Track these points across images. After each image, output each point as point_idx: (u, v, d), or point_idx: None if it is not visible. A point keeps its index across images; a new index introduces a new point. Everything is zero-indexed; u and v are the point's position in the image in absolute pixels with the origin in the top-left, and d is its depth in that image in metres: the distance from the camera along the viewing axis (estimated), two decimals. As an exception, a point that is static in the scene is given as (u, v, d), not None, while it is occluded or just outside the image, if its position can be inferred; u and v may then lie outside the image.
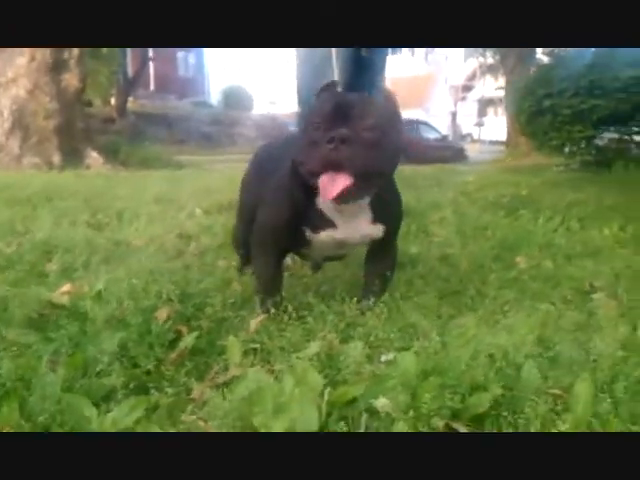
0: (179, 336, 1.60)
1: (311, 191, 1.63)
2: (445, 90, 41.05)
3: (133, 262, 2.36)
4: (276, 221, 1.77)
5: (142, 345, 1.50)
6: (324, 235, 1.74)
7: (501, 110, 35.98)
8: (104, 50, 18.56)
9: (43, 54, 8.60)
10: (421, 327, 1.67)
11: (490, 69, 29.69)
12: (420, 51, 33.25)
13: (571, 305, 2.02)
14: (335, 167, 1.48)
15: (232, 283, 2.10)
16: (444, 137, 20.01)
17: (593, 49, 9.06)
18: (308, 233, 1.74)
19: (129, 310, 1.64)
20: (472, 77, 37.54)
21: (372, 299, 1.81)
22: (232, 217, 3.65)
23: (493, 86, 34.13)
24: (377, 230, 1.78)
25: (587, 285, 2.27)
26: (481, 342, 1.46)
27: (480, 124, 39.08)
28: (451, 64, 41.08)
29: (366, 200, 1.68)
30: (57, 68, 8.83)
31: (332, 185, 1.47)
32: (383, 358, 1.52)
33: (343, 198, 1.49)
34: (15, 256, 2.40)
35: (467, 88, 40.63)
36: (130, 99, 22.69)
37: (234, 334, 1.60)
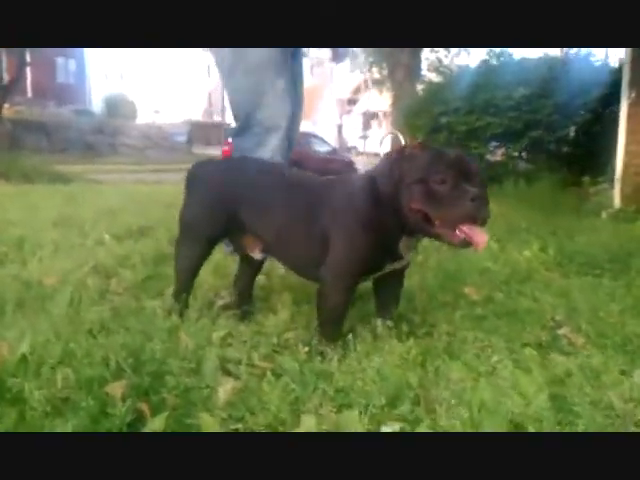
0: (139, 417, 1.32)
1: (400, 228, 1.81)
2: (331, 103, 41.55)
3: (52, 308, 2.02)
4: (366, 253, 1.85)
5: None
6: (395, 265, 1.92)
7: (385, 124, 36.92)
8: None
9: None
10: (411, 385, 1.49)
11: (375, 83, 30.37)
12: (306, 64, 33.49)
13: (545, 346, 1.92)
14: (474, 220, 1.67)
15: (178, 333, 1.81)
16: (334, 150, 20.12)
17: (484, 68, 9.39)
18: (387, 263, 1.90)
19: (71, 385, 1.34)
20: (357, 91, 38.21)
21: (389, 320, 1.96)
22: (146, 244, 3.39)
23: (377, 100, 34.98)
24: (411, 257, 1.98)
25: (550, 320, 2.19)
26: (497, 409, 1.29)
27: (365, 137, 39.81)
28: (337, 77, 41.66)
29: None
30: None
31: (480, 236, 1.68)
32: (383, 429, 1.33)
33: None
34: None
35: (352, 101, 41.28)
36: (6, 106, 21.25)
37: (205, 409, 1.35)
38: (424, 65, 22.23)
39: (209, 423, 1.28)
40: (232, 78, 3.11)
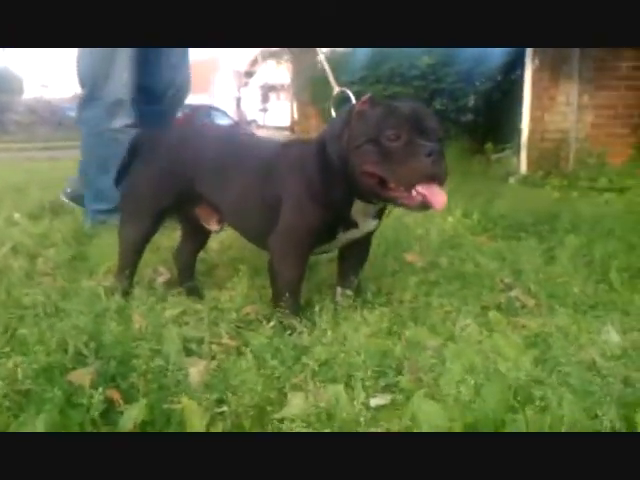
0: (110, 406, 1.19)
1: (350, 195, 1.70)
2: (228, 75, 40.79)
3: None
4: (315, 222, 1.74)
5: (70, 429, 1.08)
6: (349, 234, 1.80)
7: (284, 96, 36.71)
8: None
9: None
10: (392, 354, 1.44)
11: (272, 55, 30.10)
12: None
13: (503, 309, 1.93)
14: (431, 179, 1.53)
15: (129, 314, 1.67)
16: (236, 123, 19.81)
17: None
18: (340, 233, 1.77)
19: (29, 376, 1.19)
20: (254, 63, 37.67)
21: (348, 290, 1.90)
22: (64, 221, 3.16)
23: (275, 72, 34.70)
24: (374, 225, 1.87)
25: (499, 283, 2.20)
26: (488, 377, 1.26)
27: (264, 110, 39.45)
28: (232, 50, 40.92)
29: None
30: None
31: (438, 196, 1.54)
32: (373, 402, 1.27)
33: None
34: None
35: (249, 74, 40.68)
36: None
37: (184, 393, 1.24)
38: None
39: (191, 407, 1.17)
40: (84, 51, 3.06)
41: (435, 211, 1.61)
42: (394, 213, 3.61)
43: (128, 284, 1.95)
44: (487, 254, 2.70)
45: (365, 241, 1.93)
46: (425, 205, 1.55)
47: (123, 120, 3.04)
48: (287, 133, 23.56)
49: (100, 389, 1.15)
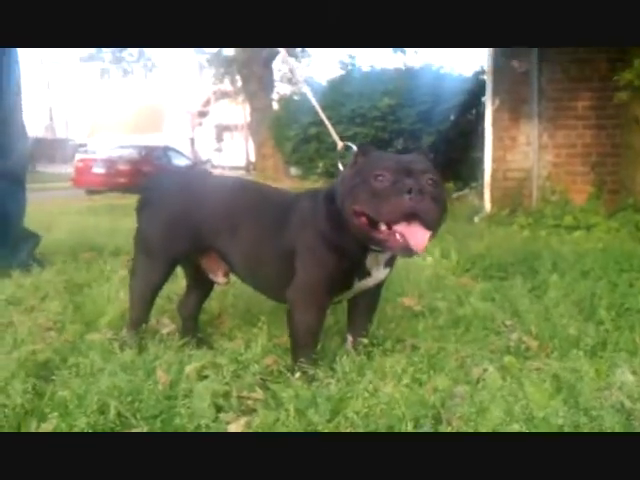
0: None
1: (362, 245, 1.70)
2: (181, 116, 40.81)
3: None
4: (332, 271, 1.76)
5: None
6: (363, 282, 1.82)
7: (238, 135, 36.89)
8: None
9: None
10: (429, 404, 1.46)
11: (225, 95, 30.28)
12: (153, 76, 32.77)
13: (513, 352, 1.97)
14: (412, 217, 1.53)
15: (156, 372, 1.65)
16: (194, 164, 19.76)
17: (349, 79, 9.64)
18: (355, 281, 1.79)
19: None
20: (207, 103, 37.85)
21: (365, 340, 1.91)
22: (51, 271, 3.10)
23: (229, 112, 34.87)
24: (385, 274, 1.89)
25: (501, 325, 2.25)
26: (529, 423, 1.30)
27: (219, 150, 39.52)
28: (185, 90, 41.15)
29: None
30: None
31: (417, 237, 1.53)
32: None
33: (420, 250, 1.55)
34: None
35: (203, 114, 40.81)
36: None
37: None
38: (276, 76, 22.47)
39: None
40: None
41: (406, 251, 1.56)
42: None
43: (141, 337, 1.93)
44: (476, 296, 2.76)
45: (376, 289, 1.95)
46: (407, 247, 1.55)
47: None
48: (242, 172, 23.58)
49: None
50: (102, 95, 42.00)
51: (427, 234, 1.54)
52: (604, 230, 5.00)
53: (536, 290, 2.90)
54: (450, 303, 2.59)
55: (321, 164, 9.40)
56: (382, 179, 1.57)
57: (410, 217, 1.53)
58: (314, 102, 2.21)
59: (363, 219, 1.60)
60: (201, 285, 2.15)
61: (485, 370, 1.72)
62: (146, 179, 2.56)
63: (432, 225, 1.56)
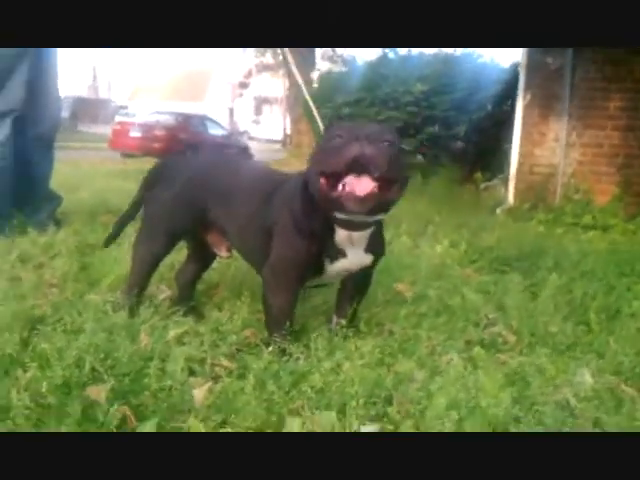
0: (122, 423, 1.29)
1: (330, 223, 1.74)
2: (222, 86, 40.98)
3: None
4: (301, 254, 1.80)
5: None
6: (338, 265, 1.83)
7: (277, 108, 36.89)
8: None
9: None
10: (383, 385, 1.55)
11: (266, 68, 30.27)
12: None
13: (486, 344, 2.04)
14: (360, 169, 1.57)
15: (139, 334, 1.77)
16: (230, 134, 19.90)
17: (387, 61, 9.61)
18: (327, 264, 1.81)
19: (50, 389, 1.29)
20: (249, 75, 37.92)
21: (343, 321, 1.97)
22: (66, 232, 3.24)
23: (269, 85, 34.88)
24: (369, 259, 1.89)
25: (484, 318, 2.32)
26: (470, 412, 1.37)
27: (257, 122, 39.66)
28: (228, 60, 41.18)
29: (368, 231, 1.80)
30: None
31: (360, 184, 1.56)
32: (364, 430, 1.37)
33: (367, 201, 1.58)
34: None
35: (244, 85, 40.92)
36: None
37: (185, 412, 1.34)
38: (318, 53, 22.39)
39: (197, 427, 1.27)
40: None
41: (352, 202, 1.58)
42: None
43: (136, 301, 2.04)
44: (473, 287, 2.82)
45: (364, 275, 1.99)
46: (355, 197, 1.57)
47: (3, 133, 3.22)
48: (279, 146, 23.61)
49: (115, 405, 1.25)
50: (146, 59, 42.40)
51: (372, 184, 1.57)
52: (620, 232, 4.99)
53: (534, 287, 2.94)
54: (442, 292, 2.65)
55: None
56: (337, 139, 1.62)
57: (355, 167, 1.57)
58: (306, 94, 2.31)
59: (322, 180, 1.65)
60: (201, 257, 2.26)
61: (451, 359, 1.80)
62: (160, 159, 2.65)
63: (383, 174, 1.58)
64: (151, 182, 2.16)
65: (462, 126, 8.74)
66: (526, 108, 6.36)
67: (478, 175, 8.04)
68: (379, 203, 1.64)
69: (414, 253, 3.59)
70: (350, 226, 1.75)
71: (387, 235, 3.80)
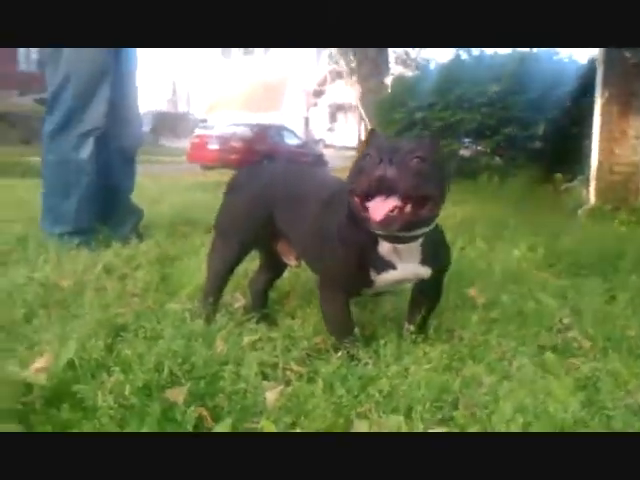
0: (200, 423, 1.36)
1: (374, 235, 1.72)
2: (297, 95, 41.53)
3: (77, 311, 2.06)
4: (344, 265, 1.82)
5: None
6: (386, 276, 1.81)
7: (351, 116, 37.02)
8: None
9: None
10: (450, 389, 1.57)
11: (341, 75, 30.38)
12: (273, 55, 33.45)
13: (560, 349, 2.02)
14: (385, 190, 1.57)
15: (215, 340, 1.85)
16: (305, 143, 20.16)
17: (459, 64, 9.52)
18: (373, 275, 1.80)
19: (132, 392, 1.38)
20: (323, 82, 38.24)
21: (412, 327, 1.96)
22: (148, 243, 3.39)
23: (344, 92, 35.03)
24: (426, 271, 1.85)
25: (558, 322, 2.28)
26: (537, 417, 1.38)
27: (332, 130, 39.95)
28: (303, 69, 41.69)
29: (418, 242, 1.76)
30: None
31: (382, 208, 1.57)
32: (431, 433, 1.40)
33: (390, 220, 1.57)
34: None
35: (318, 93, 41.31)
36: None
37: (258, 414, 1.40)
38: (391, 58, 22.38)
39: (269, 428, 1.33)
40: (63, 81, 3.33)
41: (375, 225, 1.60)
42: (458, 245, 3.72)
43: (212, 309, 2.12)
44: (549, 291, 2.77)
45: (432, 285, 1.96)
46: (376, 221, 1.58)
47: (88, 150, 3.36)
48: (354, 153, 23.66)
49: (192, 407, 1.34)
50: (223, 72, 43.45)
51: (391, 203, 1.57)
52: None
53: (613, 290, 2.87)
54: (516, 297, 2.63)
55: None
56: (368, 157, 1.63)
57: (381, 189, 1.57)
58: (361, 111, 2.36)
59: (356, 199, 1.66)
60: (273, 266, 2.33)
61: (522, 365, 1.79)
62: (237, 171, 2.76)
63: (408, 193, 1.57)
64: (226, 191, 2.25)
65: (540, 126, 8.56)
66: (604, 105, 6.18)
67: (558, 176, 7.84)
68: (412, 221, 1.63)
69: (489, 257, 3.55)
70: (391, 239, 1.73)
71: (461, 240, 3.84)
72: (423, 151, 1.63)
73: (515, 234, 4.37)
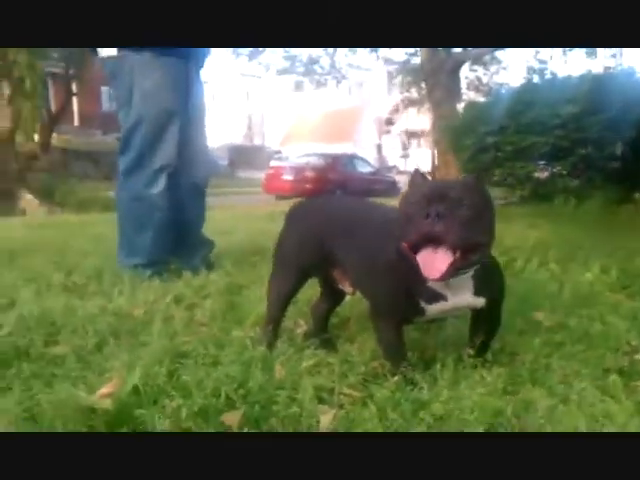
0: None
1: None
2: (370, 123, 41.86)
3: (146, 339, 2.16)
4: (396, 296, 1.84)
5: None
6: (437, 306, 1.81)
7: (424, 142, 36.96)
8: (27, 84, 17.99)
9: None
10: (504, 413, 1.56)
11: (412, 102, 30.43)
12: (344, 85, 33.86)
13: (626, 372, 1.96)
14: (433, 241, 1.58)
15: (271, 363, 1.91)
16: (377, 170, 20.24)
17: (531, 87, 9.38)
18: (424, 305, 1.80)
19: (190, 416, 1.44)
20: (395, 110, 38.38)
21: (471, 351, 1.95)
22: (217, 273, 3.50)
23: (416, 119, 35.05)
24: (479, 302, 1.85)
25: (625, 345, 2.22)
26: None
27: (406, 156, 39.97)
28: (375, 97, 42.04)
29: (469, 274, 1.75)
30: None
31: (433, 263, 1.58)
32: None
33: (443, 275, 1.58)
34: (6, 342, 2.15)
35: (390, 121, 41.47)
36: (54, 135, 22.06)
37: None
38: (463, 84, 22.28)
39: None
40: (135, 122, 3.47)
41: (432, 276, 1.60)
42: (528, 269, 3.66)
43: (273, 336, 2.19)
44: (620, 313, 2.69)
45: (489, 313, 1.95)
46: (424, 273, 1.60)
47: (160, 187, 3.49)
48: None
49: (245, 430, 1.38)
50: (296, 105, 44.34)
51: (447, 260, 1.57)
52: None
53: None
54: (585, 320, 2.56)
55: (497, 172, 9.25)
56: (414, 206, 1.63)
57: (429, 241, 1.58)
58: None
59: (405, 244, 1.67)
60: (332, 293, 2.38)
61: (582, 388, 1.75)
62: (295, 203, 2.83)
63: (457, 245, 1.57)
64: (285, 223, 2.33)
65: (617, 145, 8.32)
66: (684, 121, 5.95)
67: (638, 195, 7.59)
68: (462, 266, 1.63)
69: (560, 279, 3.48)
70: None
71: (532, 264, 3.77)
72: (469, 197, 1.62)
73: (589, 256, 4.25)
